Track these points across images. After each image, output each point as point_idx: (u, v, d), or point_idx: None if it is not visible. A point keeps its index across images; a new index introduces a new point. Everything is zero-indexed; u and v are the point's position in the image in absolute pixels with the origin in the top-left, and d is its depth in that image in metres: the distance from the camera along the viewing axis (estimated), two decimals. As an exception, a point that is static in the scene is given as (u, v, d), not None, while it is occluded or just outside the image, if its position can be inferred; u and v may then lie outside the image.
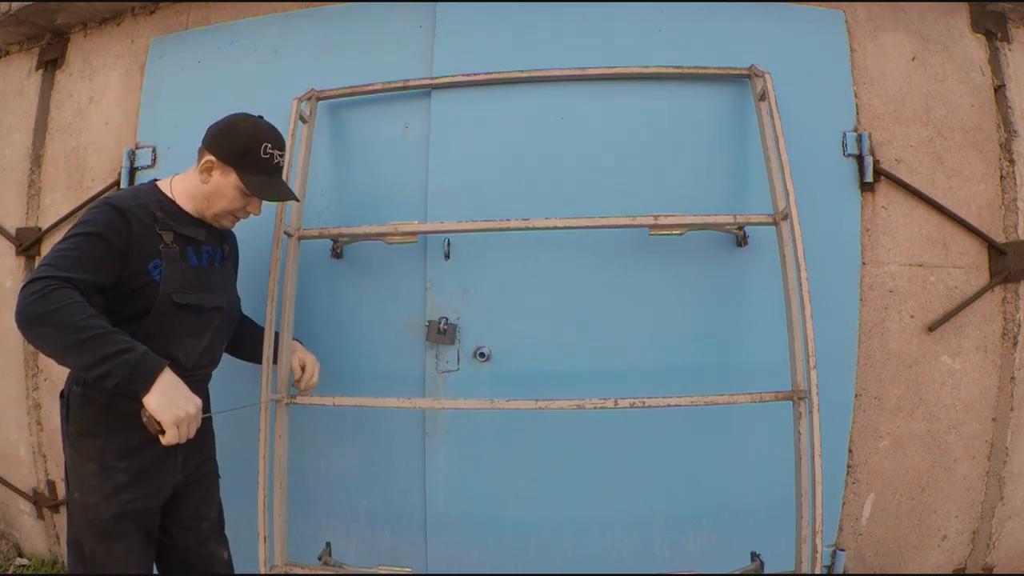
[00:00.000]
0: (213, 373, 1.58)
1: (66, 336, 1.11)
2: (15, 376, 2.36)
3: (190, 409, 1.20)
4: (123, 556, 1.36)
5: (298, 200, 1.59)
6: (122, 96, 2.20)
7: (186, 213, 1.44)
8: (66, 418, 1.38)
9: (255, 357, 1.69)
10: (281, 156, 1.46)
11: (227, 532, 1.65)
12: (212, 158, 1.40)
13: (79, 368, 1.19)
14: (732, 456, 1.85)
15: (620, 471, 1.86)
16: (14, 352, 2.36)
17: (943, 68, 1.95)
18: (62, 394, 1.40)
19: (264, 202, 1.51)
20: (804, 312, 1.55)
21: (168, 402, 1.16)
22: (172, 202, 1.43)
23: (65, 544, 1.51)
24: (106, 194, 1.98)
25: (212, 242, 1.49)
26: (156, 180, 1.48)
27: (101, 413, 1.34)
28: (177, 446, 1.33)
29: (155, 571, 1.51)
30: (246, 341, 1.68)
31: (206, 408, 1.58)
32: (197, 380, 1.45)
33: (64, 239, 1.24)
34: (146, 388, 1.15)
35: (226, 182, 1.41)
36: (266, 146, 1.41)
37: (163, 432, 1.18)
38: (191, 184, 1.44)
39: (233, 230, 1.62)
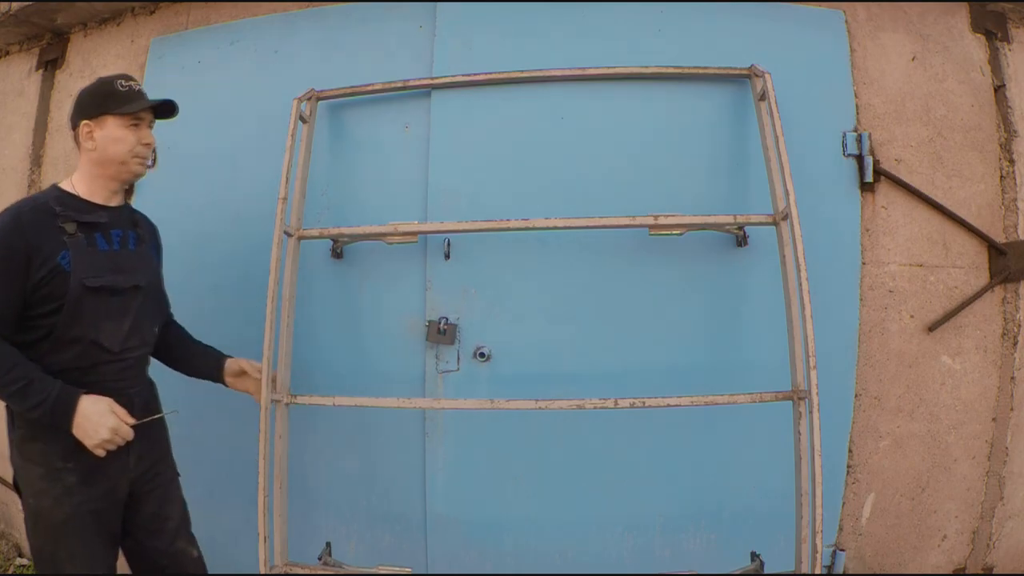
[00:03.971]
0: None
1: None
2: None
3: (105, 433, 1.30)
4: (85, 556, 1.35)
5: (174, 106, 1.50)
6: (122, 96, 2.20)
7: (88, 202, 1.43)
8: (12, 424, 1.37)
9: (191, 370, 1.66)
10: (138, 84, 1.45)
11: (225, 533, 1.64)
12: (84, 122, 1.41)
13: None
14: (732, 456, 1.85)
15: (620, 471, 1.86)
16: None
17: (943, 68, 1.95)
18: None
19: (265, 204, 1.52)
20: (804, 312, 1.55)
21: (87, 432, 1.29)
22: (72, 195, 1.43)
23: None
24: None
25: (121, 225, 1.48)
26: (56, 183, 1.47)
27: None
28: (128, 446, 1.38)
29: None
30: (174, 349, 1.66)
31: (149, 401, 1.53)
32: (129, 364, 1.44)
33: None
34: (69, 425, 1.29)
35: (109, 131, 1.41)
36: (119, 82, 1.43)
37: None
38: (84, 167, 1.44)
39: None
